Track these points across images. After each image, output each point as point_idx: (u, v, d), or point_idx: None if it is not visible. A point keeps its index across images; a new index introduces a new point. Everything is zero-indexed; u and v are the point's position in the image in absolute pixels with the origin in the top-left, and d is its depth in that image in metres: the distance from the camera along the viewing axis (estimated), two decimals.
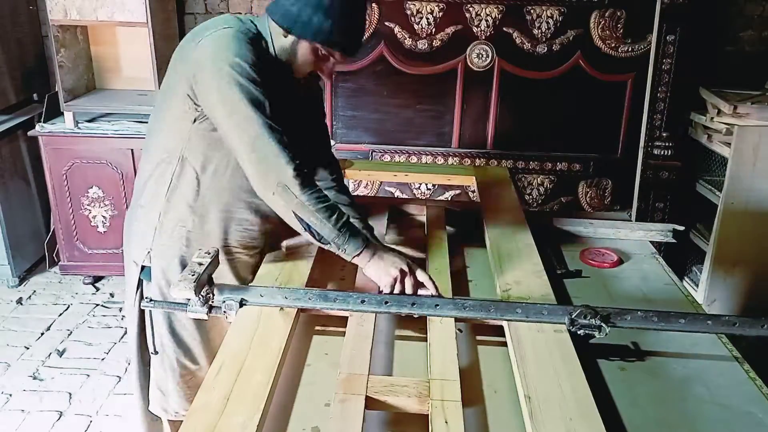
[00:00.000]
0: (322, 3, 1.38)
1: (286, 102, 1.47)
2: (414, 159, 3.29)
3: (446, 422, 1.06)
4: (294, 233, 1.55)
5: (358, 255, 1.44)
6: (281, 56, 1.48)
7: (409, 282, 1.43)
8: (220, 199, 1.55)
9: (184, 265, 1.56)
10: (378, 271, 1.44)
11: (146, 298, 1.44)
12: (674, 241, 1.99)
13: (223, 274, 1.59)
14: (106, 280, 3.56)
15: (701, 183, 3.18)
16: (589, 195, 3.35)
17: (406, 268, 1.44)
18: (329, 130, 3.31)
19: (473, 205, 2.06)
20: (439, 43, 3.20)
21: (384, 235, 1.79)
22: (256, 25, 1.47)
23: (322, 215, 1.40)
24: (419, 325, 1.40)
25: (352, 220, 1.54)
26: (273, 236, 1.69)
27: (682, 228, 2.01)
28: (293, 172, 1.36)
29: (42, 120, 3.30)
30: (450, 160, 3.29)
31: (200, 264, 1.34)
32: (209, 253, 1.39)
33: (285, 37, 1.45)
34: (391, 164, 3.02)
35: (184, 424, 1.06)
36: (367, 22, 1.42)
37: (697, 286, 3.13)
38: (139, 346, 1.73)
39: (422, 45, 3.20)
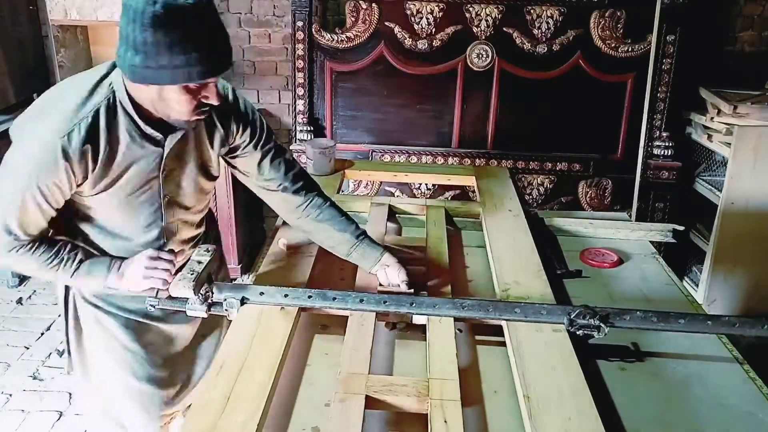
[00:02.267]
0: (147, 44, 1.16)
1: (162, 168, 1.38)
2: (414, 159, 3.29)
3: (445, 421, 1.06)
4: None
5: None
6: (155, 108, 1.29)
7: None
8: None
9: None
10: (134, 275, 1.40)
11: (150, 297, 1.43)
12: (674, 241, 1.99)
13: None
14: None
15: (701, 183, 3.18)
16: (589, 195, 3.35)
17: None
18: (329, 130, 3.33)
19: (473, 205, 2.06)
20: (439, 43, 3.20)
21: (384, 235, 1.79)
22: (111, 91, 1.30)
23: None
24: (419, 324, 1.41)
25: (351, 234, 1.54)
26: None
27: (682, 228, 2.01)
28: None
29: None
30: (450, 160, 3.29)
31: (199, 262, 1.34)
32: (208, 251, 1.39)
33: (147, 86, 1.25)
34: (391, 164, 3.02)
35: (185, 423, 1.07)
36: (212, 22, 1.23)
37: (697, 286, 3.13)
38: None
39: (422, 45, 3.20)
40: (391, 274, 1.51)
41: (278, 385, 1.19)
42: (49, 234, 1.39)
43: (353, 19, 3.18)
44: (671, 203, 3.22)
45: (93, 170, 1.31)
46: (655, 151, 3.16)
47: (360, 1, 3.14)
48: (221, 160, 1.52)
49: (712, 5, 3.24)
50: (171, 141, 1.36)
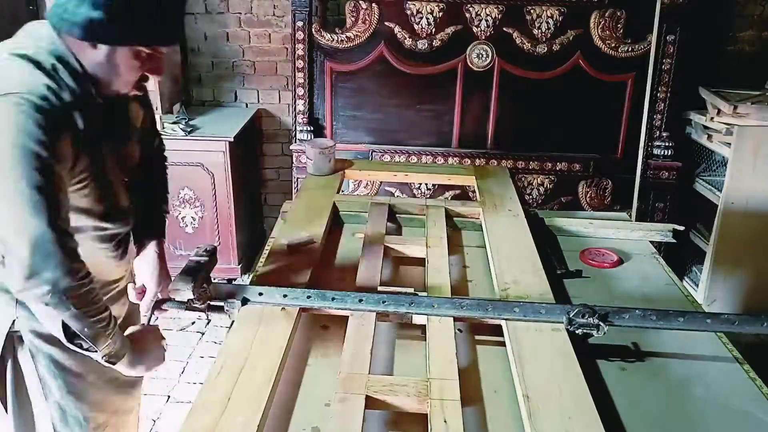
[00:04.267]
0: (113, 4, 1.12)
1: (109, 133, 1.29)
2: (414, 159, 3.29)
3: (445, 421, 1.07)
4: None
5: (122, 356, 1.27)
6: (97, 73, 1.20)
7: None
8: None
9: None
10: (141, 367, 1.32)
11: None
12: (674, 241, 1.99)
13: None
14: None
15: (701, 183, 3.18)
16: (589, 195, 3.36)
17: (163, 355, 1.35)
18: (329, 130, 3.33)
19: (473, 205, 2.06)
20: (439, 43, 3.20)
21: (384, 235, 1.79)
22: (54, 46, 1.17)
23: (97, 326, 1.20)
24: (419, 324, 1.41)
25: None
26: None
27: (682, 228, 2.01)
28: (71, 281, 1.14)
29: None
30: (450, 160, 3.29)
31: (198, 263, 1.35)
32: (207, 251, 1.39)
33: (94, 48, 1.17)
34: (391, 164, 3.02)
35: (184, 423, 1.07)
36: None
37: (697, 286, 3.13)
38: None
39: (422, 45, 3.20)
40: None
41: (278, 385, 1.19)
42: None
43: (353, 19, 3.18)
44: (671, 203, 3.22)
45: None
46: (655, 151, 3.17)
47: (360, 1, 3.14)
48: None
49: (712, 5, 3.24)
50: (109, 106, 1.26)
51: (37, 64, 1.14)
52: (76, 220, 1.24)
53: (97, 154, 1.25)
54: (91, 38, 1.15)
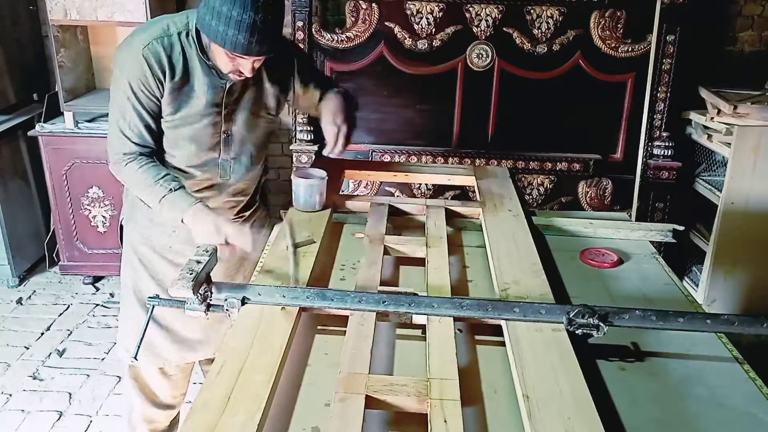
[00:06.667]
0: (216, 7, 1.48)
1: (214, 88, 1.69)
2: (414, 159, 3.30)
3: (445, 421, 1.06)
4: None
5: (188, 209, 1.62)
6: (209, 53, 1.63)
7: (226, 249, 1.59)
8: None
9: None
10: (202, 228, 1.59)
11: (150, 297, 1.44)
12: (674, 241, 1.99)
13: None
14: (106, 280, 3.57)
15: (701, 183, 3.19)
16: (589, 195, 3.36)
17: (229, 233, 1.58)
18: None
19: (473, 205, 2.06)
20: (439, 43, 3.20)
21: (384, 235, 1.79)
22: (187, 27, 1.64)
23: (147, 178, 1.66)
24: (419, 324, 1.41)
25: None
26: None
27: (682, 228, 2.01)
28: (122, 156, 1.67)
29: (42, 120, 3.30)
30: (450, 160, 3.29)
31: (198, 262, 1.35)
32: (207, 251, 1.39)
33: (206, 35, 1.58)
34: (391, 164, 3.02)
35: (184, 423, 1.07)
36: (276, 18, 1.54)
37: (697, 286, 3.14)
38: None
39: (422, 45, 3.20)
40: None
41: (278, 385, 1.19)
42: (153, 151, 1.70)
43: (353, 19, 3.18)
44: (671, 203, 3.22)
45: (170, 88, 1.62)
46: (655, 151, 3.17)
47: (360, 1, 3.15)
48: (282, 101, 1.86)
49: (712, 5, 3.24)
50: (233, 78, 1.64)
51: (162, 30, 1.64)
52: (177, 146, 1.73)
53: (191, 104, 1.67)
54: (197, 26, 1.57)
